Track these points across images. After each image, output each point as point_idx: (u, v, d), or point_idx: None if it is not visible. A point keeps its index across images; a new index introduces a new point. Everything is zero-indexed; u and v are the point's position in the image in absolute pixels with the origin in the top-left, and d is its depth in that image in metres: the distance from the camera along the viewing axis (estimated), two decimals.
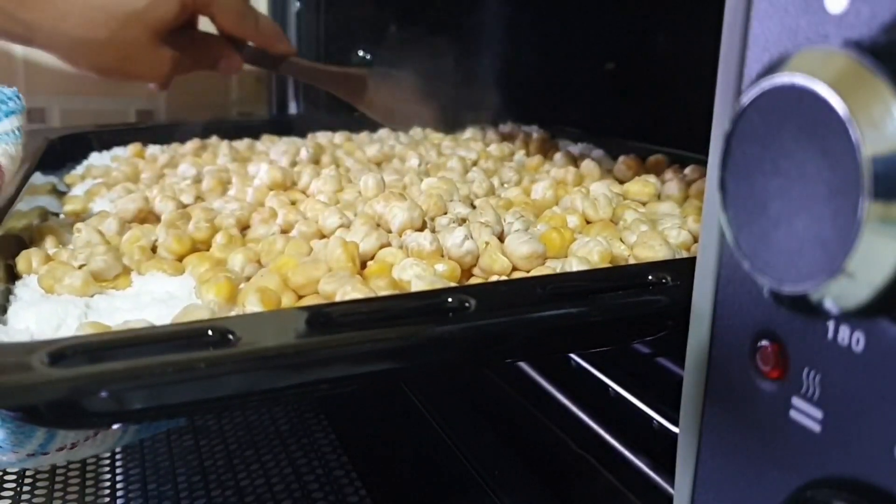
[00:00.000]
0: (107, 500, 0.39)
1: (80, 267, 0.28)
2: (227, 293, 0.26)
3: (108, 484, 0.41)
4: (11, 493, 0.40)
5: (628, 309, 0.24)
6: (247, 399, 0.21)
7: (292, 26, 0.70)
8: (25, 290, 0.27)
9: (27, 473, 0.42)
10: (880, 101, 0.14)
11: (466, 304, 0.22)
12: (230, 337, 0.20)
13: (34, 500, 0.39)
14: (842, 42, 0.15)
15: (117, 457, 0.43)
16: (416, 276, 0.27)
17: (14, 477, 0.41)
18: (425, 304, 0.23)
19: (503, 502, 0.37)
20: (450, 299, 0.22)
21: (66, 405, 0.18)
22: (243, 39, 0.59)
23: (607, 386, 0.38)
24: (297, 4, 0.70)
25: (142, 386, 0.18)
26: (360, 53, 0.71)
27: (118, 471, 0.42)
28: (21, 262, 0.29)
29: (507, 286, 0.26)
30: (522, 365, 0.45)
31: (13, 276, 0.29)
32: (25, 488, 0.40)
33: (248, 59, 0.60)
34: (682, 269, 0.24)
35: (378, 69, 0.66)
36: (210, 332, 0.20)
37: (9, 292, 0.27)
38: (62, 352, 0.18)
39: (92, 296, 0.27)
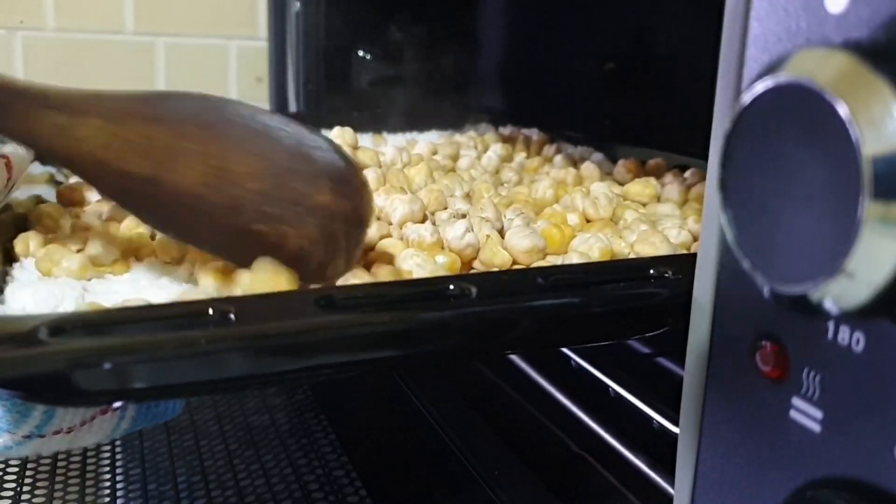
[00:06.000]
0: (107, 500, 0.39)
1: (78, 251, 0.28)
2: (225, 277, 0.26)
3: (108, 484, 0.41)
4: (11, 493, 0.40)
5: (630, 300, 0.24)
6: (247, 380, 0.20)
7: (292, 26, 0.70)
8: (23, 273, 0.27)
9: (27, 473, 0.41)
10: (880, 101, 0.14)
11: (468, 292, 0.22)
12: (231, 316, 0.19)
13: (34, 500, 0.39)
14: (842, 42, 0.15)
15: (117, 457, 0.43)
16: (417, 266, 0.27)
17: (14, 477, 0.41)
18: (427, 290, 0.23)
19: (504, 502, 0.36)
20: (451, 286, 0.22)
21: (64, 378, 0.18)
22: None
23: (607, 386, 0.38)
24: (297, 4, 0.70)
25: (141, 360, 0.18)
26: (360, 53, 0.71)
27: (118, 471, 0.42)
28: (19, 244, 0.29)
29: (509, 275, 0.26)
30: (523, 365, 0.45)
31: (10, 258, 0.29)
32: (25, 488, 0.40)
33: None
34: (683, 263, 0.24)
35: None
36: (211, 311, 0.20)
37: (5, 274, 0.27)
38: (61, 325, 0.18)
39: (89, 279, 0.27)
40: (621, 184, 0.42)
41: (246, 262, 0.25)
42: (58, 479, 0.41)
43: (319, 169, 0.26)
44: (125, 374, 0.18)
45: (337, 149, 0.26)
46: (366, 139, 0.57)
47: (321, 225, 0.25)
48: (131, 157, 0.25)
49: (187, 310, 0.20)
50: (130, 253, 0.30)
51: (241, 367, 0.19)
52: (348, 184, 0.26)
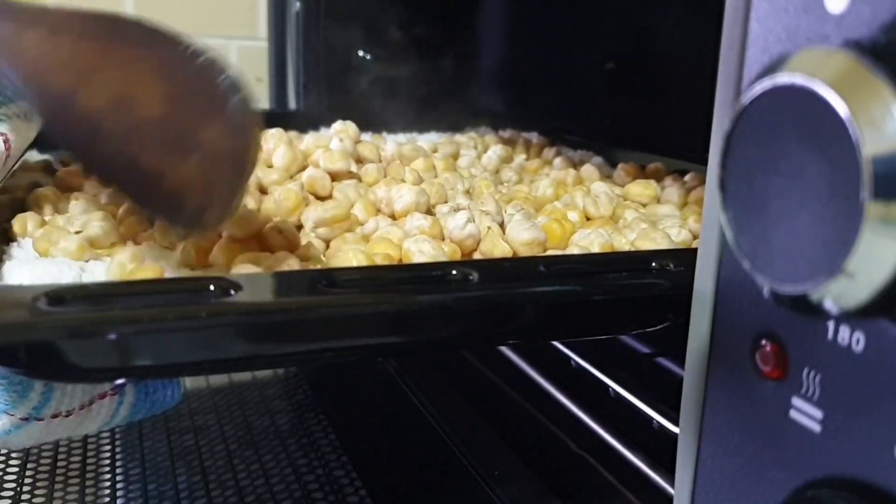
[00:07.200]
0: (107, 500, 0.39)
1: (77, 233, 0.28)
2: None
3: (108, 484, 0.41)
4: (11, 493, 0.40)
5: (631, 290, 0.24)
6: (248, 358, 0.20)
7: (292, 26, 0.70)
8: (20, 252, 0.27)
9: (27, 473, 0.41)
10: (880, 101, 0.14)
11: (470, 277, 0.22)
12: (232, 291, 0.19)
13: (34, 500, 0.39)
14: (842, 42, 0.15)
15: (117, 457, 0.43)
16: (420, 251, 0.27)
17: (14, 477, 0.41)
18: (429, 274, 0.23)
19: (503, 502, 0.37)
20: (454, 271, 0.23)
21: (64, 348, 0.17)
22: None
23: (607, 386, 0.38)
24: (297, 4, 0.70)
25: (141, 332, 0.18)
26: (360, 53, 0.71)
27: (118, 471, 0.42)
28: (17, 224, 0.29)
29: (511, 262, 0.27)
30: (524, 365, 0.45)
31: (8, 238, 0.29)
32: (25, 488, 0.40)
33: None
34: (685, 257, 0.24)
35: None
36: (212, 287, 0.20)
37: (2, 252, 0.27)
38: (62, 296, 0.18)
39: (87, 261, 0.27)
40: (621, 186, 0.42)
41: (134, 197, 0.25)
42: (58, 479, 0.41)
43: (215, 101, 0.24)
44: (123, 345, 0.18)
45: (236, 84, 0.24)
46: (365, 139, 0.57)
47: (202, 165, 0.24)
48: (58, 69, 0.25)
49: (189, 285, 0.20)
50: (129, 236, 0.30)
51: (240, 343, 0.19)
52: (239, 122, 0.24)
